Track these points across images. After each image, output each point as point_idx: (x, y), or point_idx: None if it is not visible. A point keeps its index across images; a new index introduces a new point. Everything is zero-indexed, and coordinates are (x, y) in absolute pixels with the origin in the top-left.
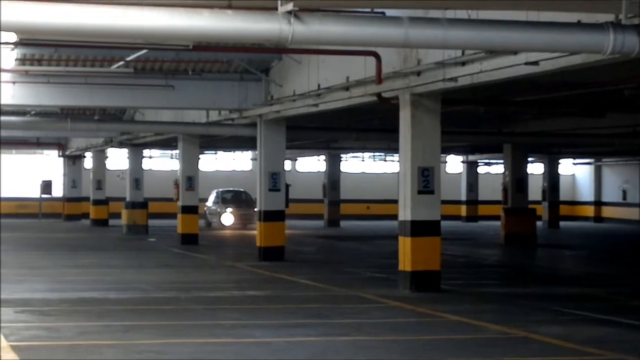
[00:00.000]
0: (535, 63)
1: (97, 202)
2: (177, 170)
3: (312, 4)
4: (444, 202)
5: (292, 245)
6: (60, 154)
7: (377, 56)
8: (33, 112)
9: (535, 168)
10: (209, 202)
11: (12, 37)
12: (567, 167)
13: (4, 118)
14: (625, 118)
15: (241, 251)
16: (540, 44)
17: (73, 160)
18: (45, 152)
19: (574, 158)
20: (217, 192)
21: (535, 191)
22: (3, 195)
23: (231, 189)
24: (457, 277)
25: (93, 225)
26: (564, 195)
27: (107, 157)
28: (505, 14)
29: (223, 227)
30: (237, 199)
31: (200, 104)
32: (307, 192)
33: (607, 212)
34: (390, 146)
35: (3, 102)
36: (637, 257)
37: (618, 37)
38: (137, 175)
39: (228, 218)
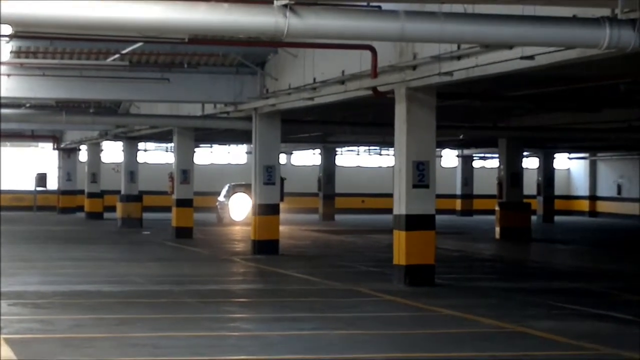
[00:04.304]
0: (531, 57)
1: (91, 195)
2: (172, 164)
3: None
4: (438, 196)
5: (287, 239)
6: (55, 146)
7: (372, 50)
8: (28, 105)
9: (530, 162)
10: (221, 196)
11: (8, 29)
12: (562, 161)
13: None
14: (621, 113)
15: (235, 245)
16: (536, 38)
17: (68, 153)
18: (40, 144)
19: (569, 153)
20: (229, 186)
21: (530, 185)
22: None
23: (243, 182)
24: (452, 271)
25: (88, 218)
26: (558, 189)
27: (102, 150)
28: (501, 8)
29: (233, 222)
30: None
31: (196, 97)
32: (302, 185)
33: (601, 206)
34: (385, 140)
35: None
36: (632, 252)
37: (614, 31)
38: (132, 168)
39: (238, 213)
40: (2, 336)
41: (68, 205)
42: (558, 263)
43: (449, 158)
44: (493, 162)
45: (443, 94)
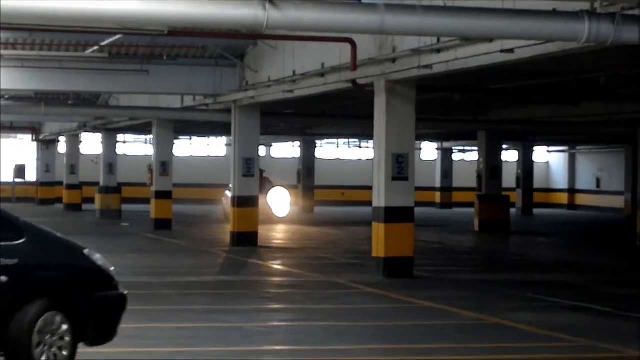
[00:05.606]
0: (511, 51)
1: (70, 187)
2: (151, 156)
3: None
4: (418, 188)
5: (266, 231)
6: (34, 138)
7: (352, 43)
8: (7, 96)
9: (510, 155)
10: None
11: None
12: (541, 154)
13: None
14: (600, 106)
15: (214, 237)
16: (516, 31)
17: (47, 145)
18: (19, 136)
19: (549, 146)
20: None
21: (509, 178)
22: None
23: None
24: (431, 263)
25: (66, 210)
26: (538, 182)
27: (81, 141)
28: (480, 1)
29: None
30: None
31: (175, 89)
32: (281, 178)
33: (580, 199)
34: (365, 133)
35: None
36: (611, 245)
37: (593, 25)
38: (111, 160)
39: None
40: None
41: (47, 196)
42: (537, 255)
43: (429, 151)
44: (472, 155)
45: (423, 87)
